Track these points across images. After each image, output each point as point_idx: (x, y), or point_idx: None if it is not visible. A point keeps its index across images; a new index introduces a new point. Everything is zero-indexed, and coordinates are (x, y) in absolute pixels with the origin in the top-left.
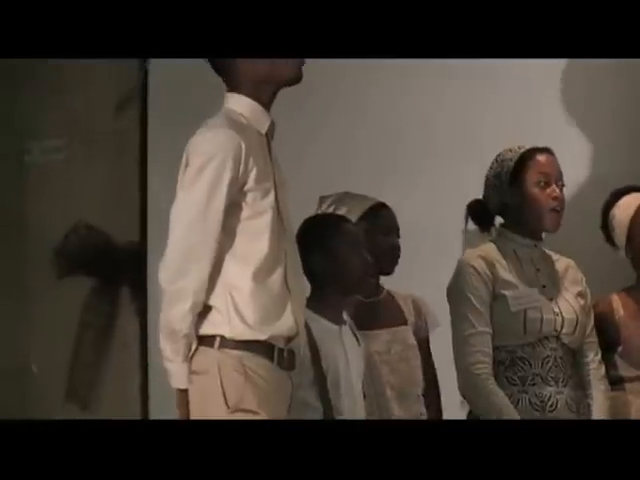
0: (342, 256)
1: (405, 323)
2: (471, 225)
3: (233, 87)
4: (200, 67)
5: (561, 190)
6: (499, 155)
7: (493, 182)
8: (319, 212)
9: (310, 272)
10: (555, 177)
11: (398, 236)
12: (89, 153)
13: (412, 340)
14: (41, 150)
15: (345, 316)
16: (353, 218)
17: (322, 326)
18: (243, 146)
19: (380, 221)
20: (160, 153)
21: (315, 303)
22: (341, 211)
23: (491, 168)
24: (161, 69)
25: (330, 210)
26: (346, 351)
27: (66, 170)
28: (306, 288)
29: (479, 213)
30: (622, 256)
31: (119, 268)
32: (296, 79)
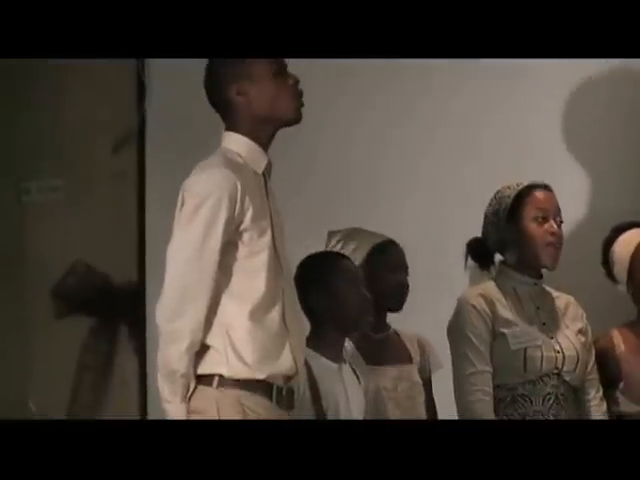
0: (341, 294)
1: (411, 361)
2: (471, 262)
3: (231, 126)
4: (199, 107)
5: (559, 226)
6: (497, 192)
7: (492, 219)
8: (328, 248)
9: (309, 310)
10: (553, 213)
11: (407, 273)
12: (87, 193)
13: (417, 378)
14: (39, 190)
15: (345, 354)
16: (362, 254)
17: (322, 364)
18: (239, 185)
19: (388, 258)
20: (158, 193)
21: (314, 341)
22: (350, 247)
23: (490, 205)
24: (159, 109)
25: (339, 246)
26: (346, 389)
27: (64, 210)
28: (305, 327)
29: (479, 251)
30: (623, 291)
31: (117, 307)
32: (295, 120)
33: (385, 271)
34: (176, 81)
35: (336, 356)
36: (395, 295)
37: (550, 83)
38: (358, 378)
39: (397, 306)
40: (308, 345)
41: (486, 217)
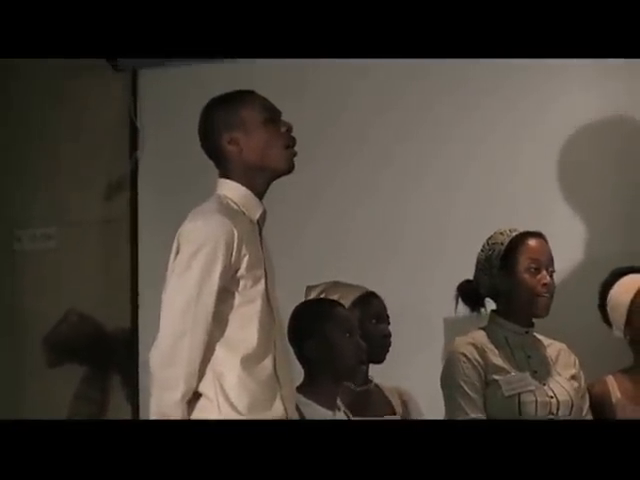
0: (336, 342)
1: (394, 413)
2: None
3: (225, 173)
4: (193, 152)
5: (551, 276)
6: (490, 238)
7: (484, 265)
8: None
9: (303, 358)
10: (545, 263)
11: (388, 324)
12: (79, 241)
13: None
14: (31, 238)
15: (339, 402)
16: None
17: (315, 412)
18: (235, 232)
19: (370, 310)
20: (151, 240)
21: (309, 389)
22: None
23: (482, 251)
24: (152, 156)
25: None
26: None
27: (56, 258)
28: (295, 378)
29: (469, 294)
30: (618, 336)
31: (110, 356)
32: (287, 170)
33: (367, 323)
34: (170, 126)
35: (330, 404)
36: (379, 346)
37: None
38: None
39: (381, 357)
40: (302, 393)
41: (478, 262)
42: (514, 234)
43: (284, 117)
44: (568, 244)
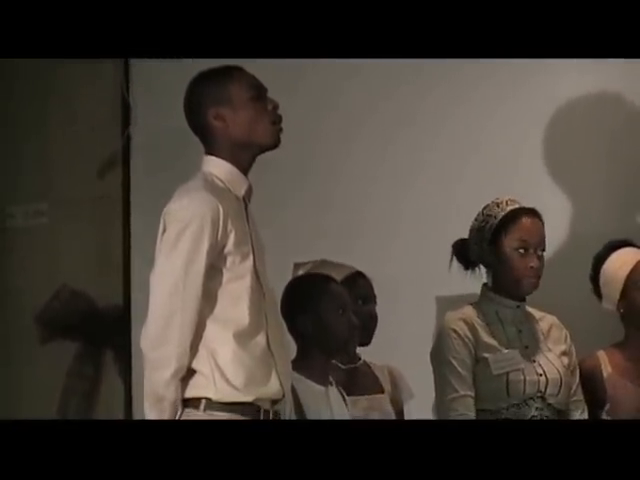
0: (329, 317)
1: (382, 392)
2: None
3: (211, 150)
4: (184, 129)
5: (540, 257)
6: (486, 207)
7: (476, 235)
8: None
9: (296, 333)
10: (535, 244)
11: (375, 304)
12: (72, 217)
13: (389, 408)
14: (24, 214)
15: (331, 378)
16: None
17: (308, 387)
18: (221, 209)
19: (357, 290)
20: (143, 216)
21: (301, 364)
22: None
23: (476, 220)
24: (144, 132)
25: None
26: (333, 412)
27: (49, 234)
28: (289, 352)
29: (464, 252)
30: (607, 309)
31: (103, 332)
32: (273, 145)
33: (354, 304)
34: (161, 103)
35: (323, 379)
36: (365, 328)
37: (535, 98)
38: (345, 400)
39: (367, 338)
40: (294, 368)
41: (471, 231)
42: (509, 209)
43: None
44: (559, 219)
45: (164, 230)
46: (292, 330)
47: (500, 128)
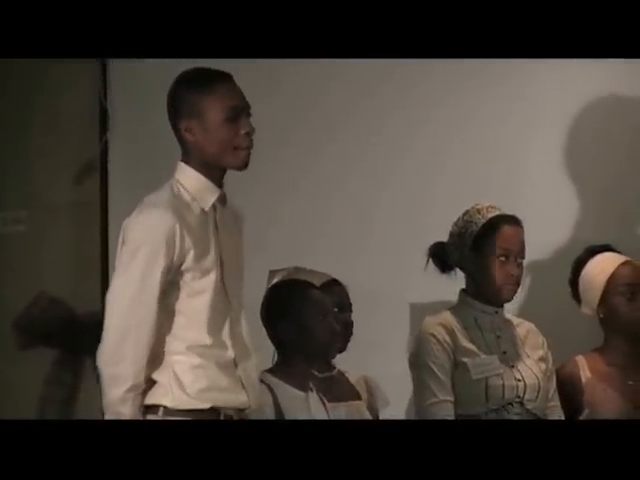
0: (310, 322)
1: (359, 399)
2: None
3: (184, 157)
4: (163, 135)
5: (520, 265)
6: (466, 213)
7: (456, 240)
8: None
9: (277, 339)
10: (516, 252)
11: (351, 312)
12: (50, 224)
13: (367, 414)
14: (2, 221)
15: (311, 384)
16: None
17: (288, 393)
18: (178, 229)
19: (333, 297)
20: (121, 223)
21: (282, 370)
22: None
23: (456, 225)
24: (122, 138)
25: None
26: (313, 417)
27: (27, 241)
28: (261, 363)
29: (441, 256)
30: (587, 313)
31: (81, 339)
32: (240, 169)
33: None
34: (140, 109)
35: (303, 385)
36: (341, 335)
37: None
38: (325, 406)
39: (343, 346)
40: (275, 374)
41: (451, 236)
42: (490, 215)
43: (255, 111)
44: (541, 225)
45: (123, 243)
46: (273, 337)
47: (475, 132)
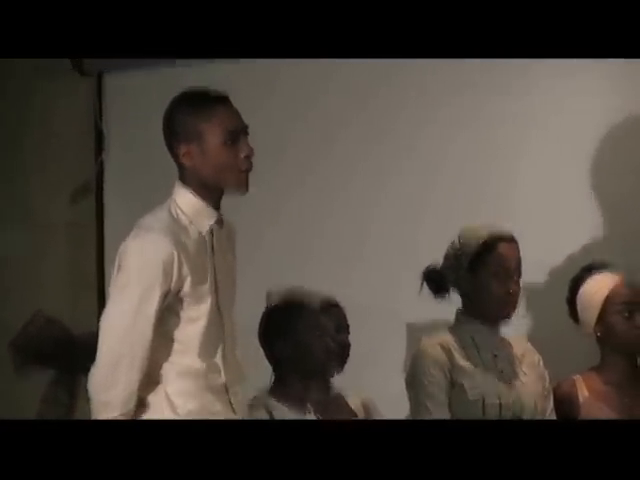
0: (307, 341)
1: None
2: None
3: (182, 179)
4: (156, 155)
5: (517, 282)
6: (462, 235)
7: (452, 262)
8: (268, 307)
9: (274, 360)
10: (513, 269)
11: (348, 333)
12: (45, 244)
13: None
14: None
15: (309, 405)
16: None
17: (285, 415)
18: (175, 255)
19: (330, 319)
20: (117, 243)
21: (279, 392)
22: None
23: (452, 246)
24: (117, 159)
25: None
26: None
27: (23, 261)
28: (263, 381)
29: (435, 279)
30: (584, 332)
31: (78, 359)
32: (241, 192)
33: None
34: (135, 130)
35: (300, 406)
36: (338, 356)
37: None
38: None
39: (339, 368)
40: (272, 395)
41: (447, 258)
42: (486, 234)
43: (251, 119)
44: (537, 243)
45: (118, 268)
46: (270, 356)
47: (471, 145)
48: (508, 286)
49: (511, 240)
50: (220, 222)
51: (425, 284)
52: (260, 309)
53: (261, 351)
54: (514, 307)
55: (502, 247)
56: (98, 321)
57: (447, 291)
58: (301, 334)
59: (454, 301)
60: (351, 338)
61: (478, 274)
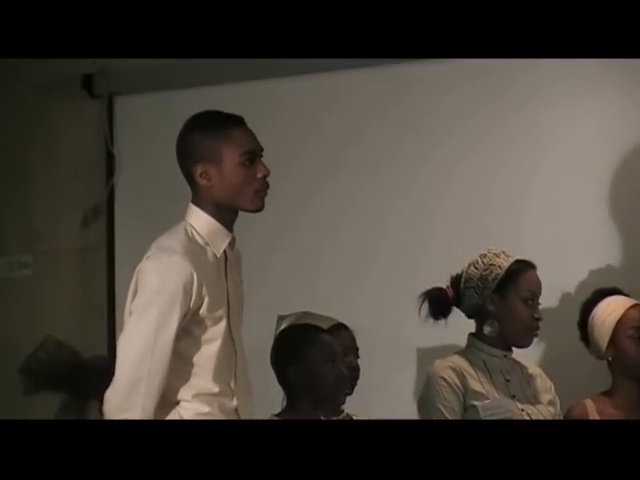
0: (319, 367)
1: None
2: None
3: (196, 201)
4: (167, 178)
5: (538, 310)
6: (485, 256)
7: (477, 284)
8: (278, 332)
9: (285, 384)
10: (538, 295)
11: (357, 356)
12: (56, 268)
13: None
14: (7, 266)
15: None
16: None
17: None
18: (195, 277)
19: (340, 342)
20: (128, 267)
21: (290, 415)
22: None
23: (475, 268)
24: (128, 182)
25: None
26: None
27: (33, 285)
28: (275, 404)
29: (437, 301)
30: (595, 356)
31: (88, 383)
32: (256, 211)
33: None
34: (146, 153)
35: None
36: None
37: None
38: None
39: (349, 390)
40: (283, 419)
41: (469, 279)
42: (513, 260)
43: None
44: (547, 265)
45: (135, 291)
46: (282, 381)
47: (476, 174)
48: (535, 310)
49: (534, 267)
50: (233, 243)
51: (425, 306)
52: (267, 333)
53: (271, 375)
54: (536, 334)
55: (531, 272)
56: (108, 346)
57: (445, 316)
58: (313, 360)
59: (467, 325)
60: (361, 362)
61: (506, 296)
